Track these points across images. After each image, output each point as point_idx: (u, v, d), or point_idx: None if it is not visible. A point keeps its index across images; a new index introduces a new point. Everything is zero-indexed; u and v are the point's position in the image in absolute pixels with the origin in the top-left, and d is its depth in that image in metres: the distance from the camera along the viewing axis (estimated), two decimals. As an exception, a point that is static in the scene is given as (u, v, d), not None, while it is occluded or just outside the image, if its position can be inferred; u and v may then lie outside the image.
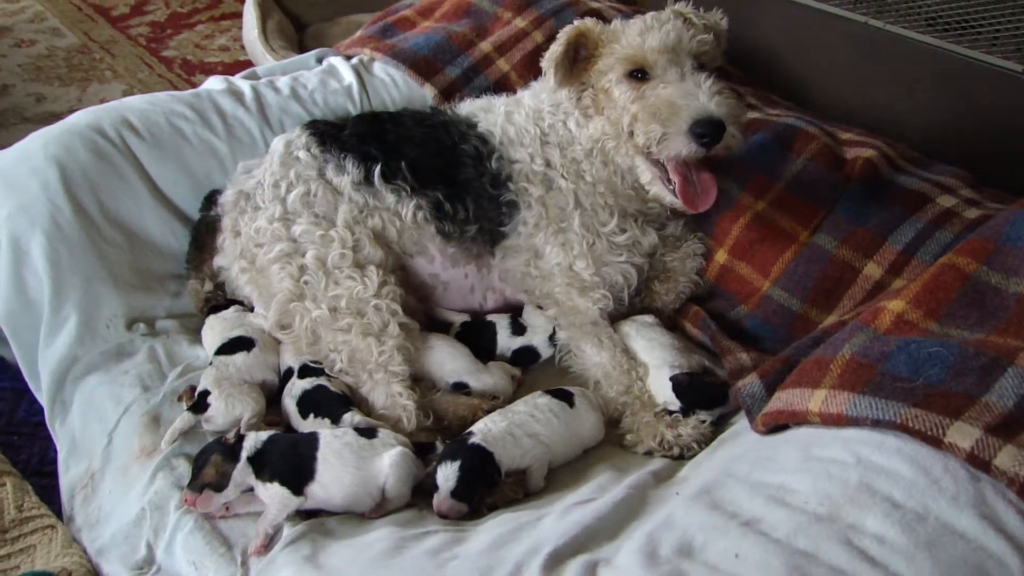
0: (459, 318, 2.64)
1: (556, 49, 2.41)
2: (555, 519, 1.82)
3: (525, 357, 2.58)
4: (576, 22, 2.45)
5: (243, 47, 4.91)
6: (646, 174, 2.40)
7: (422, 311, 2.62)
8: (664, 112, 2.22)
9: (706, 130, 2.17)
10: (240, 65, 4.87)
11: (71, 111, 2.82)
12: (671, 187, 2.35)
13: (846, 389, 1.77)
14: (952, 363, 1.70)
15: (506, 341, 2.57)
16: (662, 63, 2.31)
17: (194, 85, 3.12)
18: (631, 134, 2.35)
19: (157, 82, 4.95)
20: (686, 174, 2.34)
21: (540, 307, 2.63)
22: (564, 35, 2.42)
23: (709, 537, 1.59)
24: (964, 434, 1.56)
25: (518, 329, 2.58)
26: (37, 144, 2.63)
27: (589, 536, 1.72)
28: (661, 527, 1.66)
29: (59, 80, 4.93)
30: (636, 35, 2.35)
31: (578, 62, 2.48)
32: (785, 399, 1.91)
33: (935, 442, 1.59)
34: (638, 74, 2.35)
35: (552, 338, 2.57)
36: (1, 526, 2.16)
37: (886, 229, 2.43)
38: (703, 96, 2.21)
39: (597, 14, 3.13)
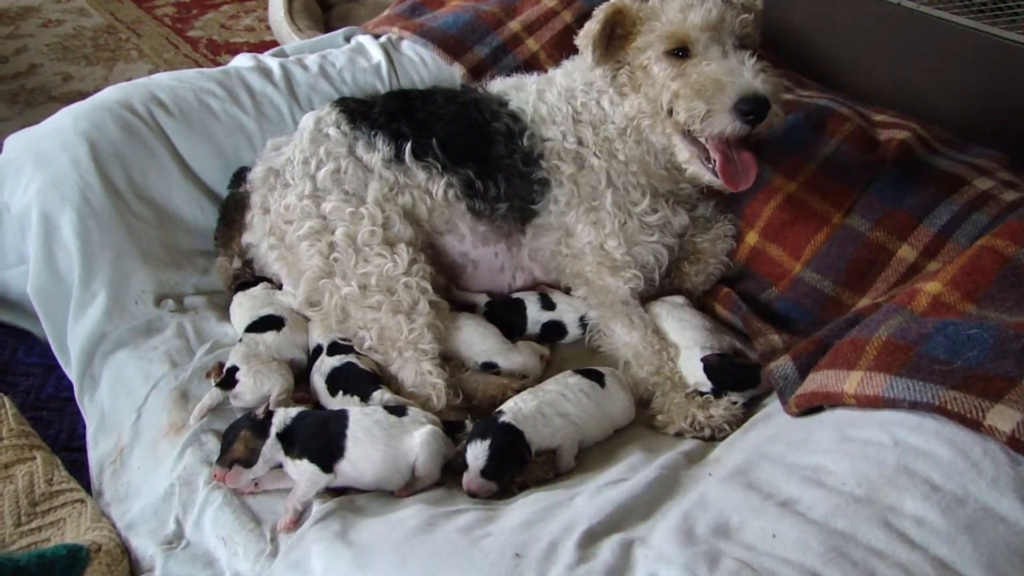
0: (480, 298, 2.63)
1: (593, 26, 2.39)
2: (587, 498, 1.81)
3: (553, 332, 2.57)
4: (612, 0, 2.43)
5: (269, 27, 4.90)
6: (684, 152, 2.37)
7: (452, 290, 2.61)
8: (709, 88, 2.20)
9: (751, 107, 2.15)
10: (266, 45, 4.86)
11: (97, 90, 2.82)
12: (710, 166, 2.33)
13: (882, 371, 1.75)
14: (991, 345, 1.68)
15: (536, 314, 2.56)
16: (704, 40, 2.28)
17: (220, 66, 3.11)
18: (670, 112, 2.32)
19: (183, 62, 4.95)
20: (727, 152, 2.31)
21: (569, 288, 2.62)
22: (601, 12, 2.40)
23: (746, 517, 1.58)
24: (1004, 417, 1.54)
25: (548, 304, 2.58)
26: (67, 120, 2.63)
27: (623, 515, 1.71)
28: (696, 507, 1.66)
29: (85, 60, 4.94)
30: (677, 12, 2.32)
31: (614, 40, 2.45)
32: (819, 381, 1.89)
33: (974, 425, 1.57)
34: (679, 52, 2.32)
35: (582, 320, 2.56)
36: (31, 499, 2.16)
37: (921, 211, 2.39)
38: (748, 73, 2.18)
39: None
